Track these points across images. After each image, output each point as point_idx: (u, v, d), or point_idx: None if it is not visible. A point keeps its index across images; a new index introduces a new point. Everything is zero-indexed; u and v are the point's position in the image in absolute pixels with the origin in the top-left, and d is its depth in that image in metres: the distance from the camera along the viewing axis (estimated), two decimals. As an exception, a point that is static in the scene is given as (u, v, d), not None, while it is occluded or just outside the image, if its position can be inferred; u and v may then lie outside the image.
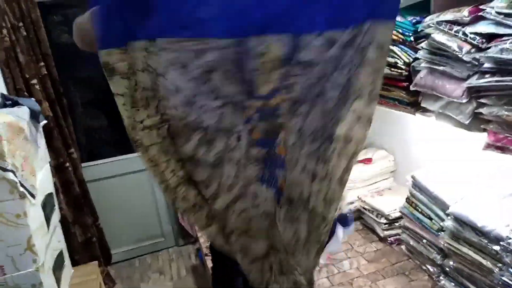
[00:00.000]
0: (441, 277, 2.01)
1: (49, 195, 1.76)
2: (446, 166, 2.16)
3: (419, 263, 2.24)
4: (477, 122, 1.65)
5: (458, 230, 1.83)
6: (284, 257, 1.09)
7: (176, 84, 0.82)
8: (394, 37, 2.03)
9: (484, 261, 1.72)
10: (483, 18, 1.55)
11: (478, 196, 1.85)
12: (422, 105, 1.96)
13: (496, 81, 1.49)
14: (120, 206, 3.00)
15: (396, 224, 2.48)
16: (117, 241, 3.00)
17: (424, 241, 2.14)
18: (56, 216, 1.83)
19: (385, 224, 2.52)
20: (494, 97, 1.53)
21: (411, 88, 1.95)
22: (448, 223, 1.89)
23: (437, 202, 2.01)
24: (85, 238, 2.64)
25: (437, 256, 2.04)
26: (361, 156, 2.82)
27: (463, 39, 1.61)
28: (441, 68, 1.73)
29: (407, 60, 1.98)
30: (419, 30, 1.92)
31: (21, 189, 1.36)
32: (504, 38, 1.46)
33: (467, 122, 1.67)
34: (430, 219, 2.06)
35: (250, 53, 0.83)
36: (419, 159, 2.51)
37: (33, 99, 1.99)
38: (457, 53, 1.61)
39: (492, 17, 1.50)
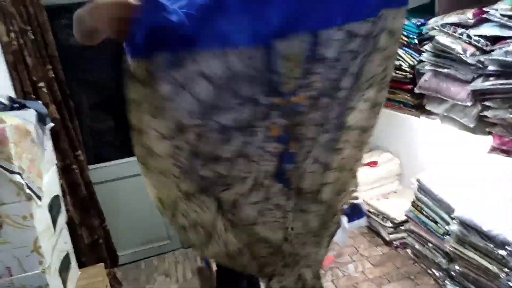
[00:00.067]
0: (446, 282, 2.00)
1: (56, 197, 1.77)
2: (452, 169, 2.15)
3: (424, 267, 2.22)
4: (482, 125, 1.64)
5: (464, 234, 1.82)
6: (292, 249, 1.09)
7: (199, 95, 0.82)
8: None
9: (490, 266, 1.71)
10: (487, 20, 1.54)
11: (484, 200, 1.84)
12: (427, 108, 1.95)
13: (501, 84, 1.48)
14: (127, 208, 3.01)
15: (402, 227, 2.47)
16: (123, 243, 3.01)
17: (430, 245, 2.13)
18: (62, 218, 1.84)
19: (391, 227, 2.51)
20: (499, 100, 1.52)
21: (416, 90, 1.95)
22: (454, 227, 1.88)
23: (442, 205, 1.99)
24: (92, 240, 2.65)
25: (442, 260, 2.03)
26: (367, 159, 2.82)
27: (467, 41, 1.60)
28: (445, 70, 1.73)
29: (411, 63, 1.98)
30: (423, 32, 1.91)
31: (28, 191, 1.37)
32: (508, 41, 1.46)
33: (472, 125, 1.66)
34: (436, 222, 2.05)
35: (273, 57, 0.83)
36: (425, 162, 2.50)
37: (40, 102, 2.01)
38: (461, 55, 1.60)
39: (496, 19, 1.50)
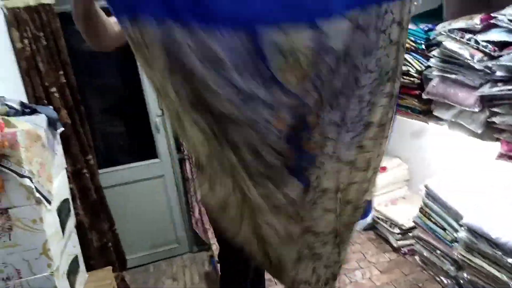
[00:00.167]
0: (455, 289, 1.98)
1: (65, 201, 1.80)
2: (460, 175, 2.13)
3: (432, 274, 2.20)
4: (490, 131, 1.63)
5: (472, 241, 1.80)
6: (311, 246, 1.07)
7: (191, 68, 0.78)
8: (406, 45, 2.02)
9: (499, 274, 1.68)
10: (495, 26, 1.53)
11: (492, 207, 1.82)
12: (434, 113, 1.94)
13: (509, 89, 1.47)
14: (136, 212, 3.05)
15: (410, 234, 2.45)
16: (132, 246, 3.04)
17: (438, 252, 2.11)
18: (71, 222, 1.86)
19: (399, 234, 2.49)
20: (507, 106, 1.51)
21: (423, 96, 1.94)
22: (462, 234, 1.86)
23: (450, 212, 1.98)
24: (101, 243, 2.68)
25: (451, 268, 2.01)
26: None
27: (475, 47, 1.59)
28: (453, 76, 1.72)
29: (419, 68, 1.97)
30: (431, 38, 1.90)
31: (37, 195, 1.40)
32: (516, 46, 1.44)
33: (479, 131, 1.65)
34: (444, 229, 2.03)
35: (267, 45, 0.79)
36: (434, 168, 2.48)
37: (51, 107, 2.05)
38: (469, 61, 1.60)
39: (504, 24, 1.49)
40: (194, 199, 3.01)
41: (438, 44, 1.82)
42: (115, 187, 2.92)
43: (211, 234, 2.82)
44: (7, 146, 1.29)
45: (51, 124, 1.73)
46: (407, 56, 2.03)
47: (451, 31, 1.72)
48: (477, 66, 1.57)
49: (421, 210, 2.22)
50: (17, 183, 1.34)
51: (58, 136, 1.84)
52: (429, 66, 1.92)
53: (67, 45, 2.38)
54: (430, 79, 1.90)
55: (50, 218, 1.53)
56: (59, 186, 1.72)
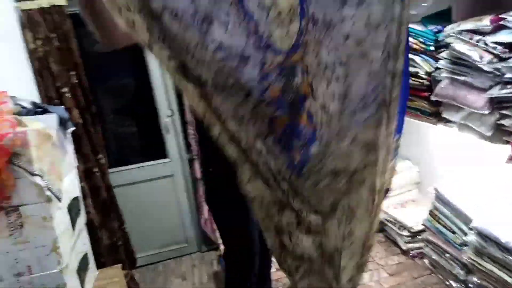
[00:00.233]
0: (464, 293, 1.95)
1: (75, 199, 1.83)
2: (470, 178, 2.10)
3: (442, 278, 2.18)
4: (499, 134, 1.61)
5: (482, 245, 1.78)
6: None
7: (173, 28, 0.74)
8: (415, 46, 2.01)
9: (509, 279, 1.66)
10: (504, 27, 1.52)
11: (502, 210, 1.79)
12: (443, 115, 1.92)
13: (519, 92, 1.45)
14: (146, 211, 3.08)
15: (419, 237, 2.43)
16: (142, 245, 3.07)
17: (447, 255, 2.09)
18: (81, 220, 1.89)
19: (408, 236, 2.47)
20: (516, 108, 1.49)
21: (432, 98, 1.92)
22: (471, 237, 1.84)
23: (459, 215, 1.96)
24: (111, 242, 2.72)
25: (460, 272, 1.98)
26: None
27: (484, 48, 1.58)
28: (462, 78, 1.70)
29: (428, 70, 1.96)
30: (440, 39, 1.89)
31: (48, 192, 1.43)
32: (526, 48, 1.43)
33: (489, 133, 1.63)
34: (453, 233, 2.01)
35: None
36: (444, 171, 2.45)
37: (62, 107, 2.09)
38: (478, 63, 1.58)
39: (514, 26, 1.47)
40: (202, 199, 3.03)
41: (447, 45, 1.80)
42: (125, 186, 2.96)
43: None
44: (19, 145, 1.32)
45: (62, 123, 1.76)
46: (416, 58, 2.01)
47: (460, 32, 1.70)
48: (486, 68, 1.55)
49: (430, 213, 2.20)
50: (28, 181, 1.37)
51: (69, 135, 1.87)
52: (438, 68, 1.90)
53: (78, 46, 2.42)
54: (439, 81, 1.88)
55: (61, 216, 1.56)
56: (70, 185, 1.75)
